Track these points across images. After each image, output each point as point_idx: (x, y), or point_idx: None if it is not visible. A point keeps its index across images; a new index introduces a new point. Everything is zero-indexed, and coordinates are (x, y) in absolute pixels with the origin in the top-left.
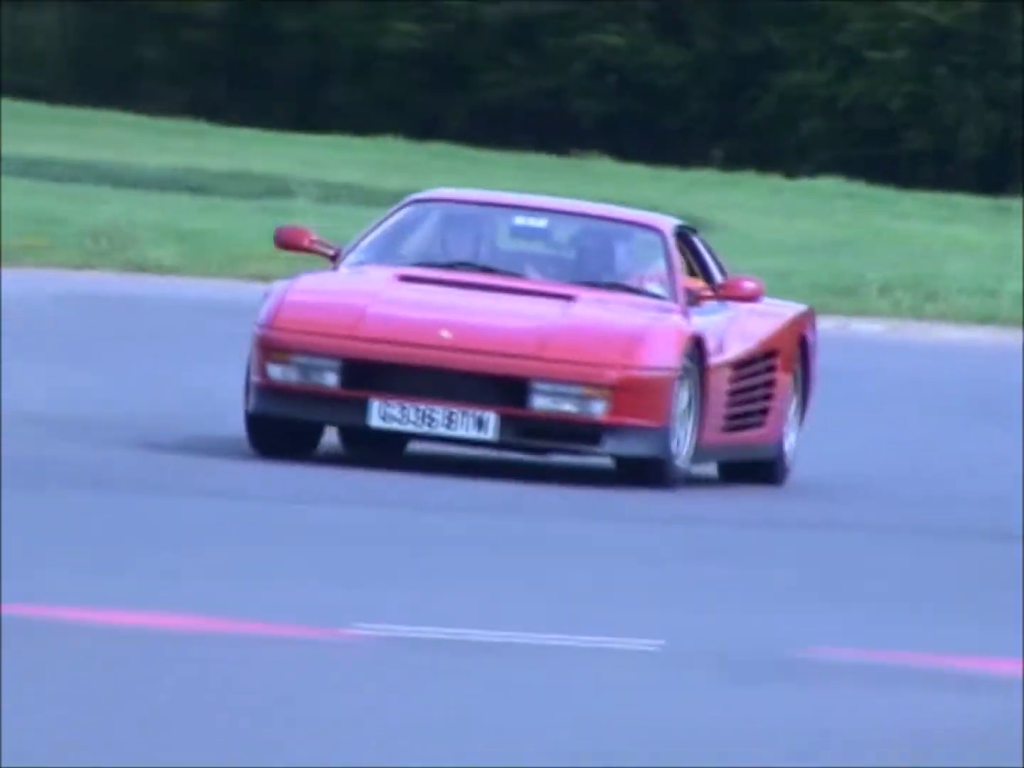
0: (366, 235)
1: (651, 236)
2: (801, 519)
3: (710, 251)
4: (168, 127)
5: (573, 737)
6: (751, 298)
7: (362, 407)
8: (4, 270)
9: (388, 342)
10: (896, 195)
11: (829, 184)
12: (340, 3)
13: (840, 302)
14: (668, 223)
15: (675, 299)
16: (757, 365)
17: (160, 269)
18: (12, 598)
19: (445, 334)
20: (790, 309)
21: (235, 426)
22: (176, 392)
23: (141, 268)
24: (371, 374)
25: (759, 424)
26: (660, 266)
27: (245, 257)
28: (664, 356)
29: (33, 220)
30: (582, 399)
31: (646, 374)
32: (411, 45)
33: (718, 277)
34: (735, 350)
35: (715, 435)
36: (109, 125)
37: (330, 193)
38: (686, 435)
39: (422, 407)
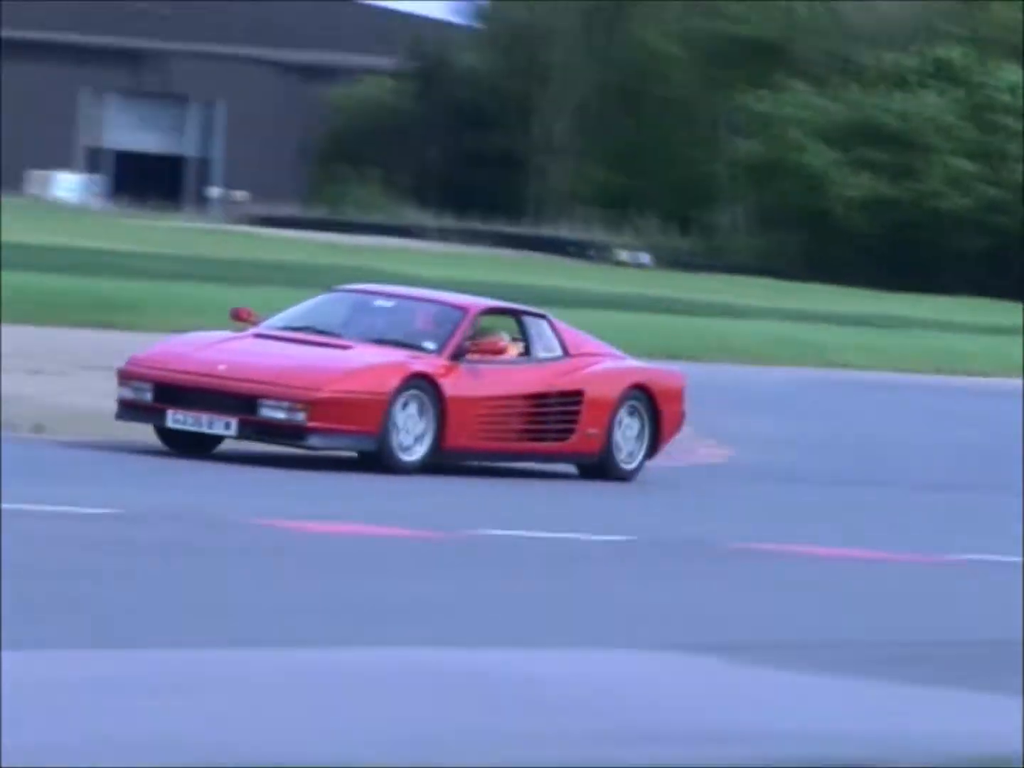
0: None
1: (456, 313)
2: None
3: (555, 331)
4: None
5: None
6: (498, 352)
7: (162, 414)
8: None
9: (182, 372)
10: None
11: None
12: None
13: None
14: (476, 306)
15: (440, 352)
16: (552, 400)
17: None
18: None
19: (221, 368)
20: (628, 366)
21: None
22: None
23: None
24: (168, 393)
25: (564, 438)
26: (448, 331)
27: None
28: (376, 384)
29: None
30: (290, 411)
31: (352, 396)
32: None
33: (536, 348)
34: (529, 389)
35: (485, 443)
36: None
37: None
38: (424, 439)
39: (194, 414)
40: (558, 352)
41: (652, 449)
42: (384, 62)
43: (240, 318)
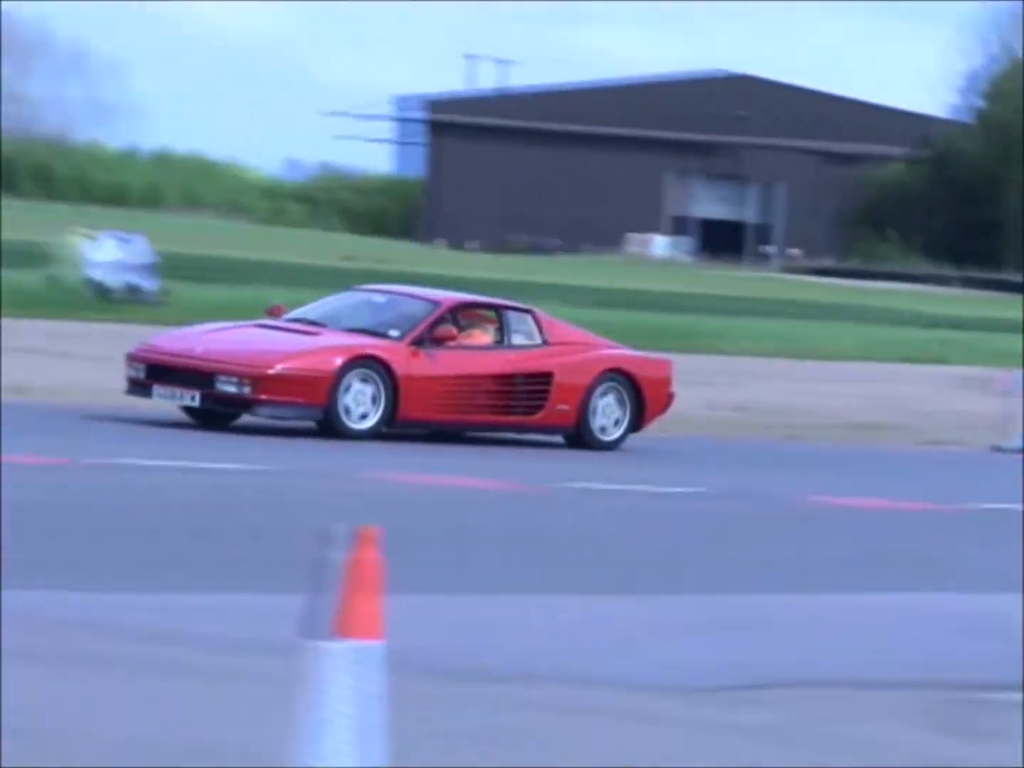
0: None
1: (428, 306)
2: None
3: (538, 323)
4: None
5: None
6: (446, 339)
7: (150, 390)
8: None
9: (166, 354)
10: None
11: None
12: None
13: None
14: (448, 300)
15: (401, 338)
16: (520, 380)
17: None
18: None
19: (198, 350)
20: (602, 351)
21: None
22: None
23: None
24: (154, 371)
25: (535, 411)
26: (415, 321)
27: None
28: (321, 364)
29: None
30: (239, 385)
31: (296, 373)
32: None
33: (513, 337)
34: (495, 371)
35: (443, 414)
36: None
37: None
38: (375, 411)
39: (170, 389)
40: (537, 341)
41: (635, 425)
42: (899, 151)
43: (272, 313)
